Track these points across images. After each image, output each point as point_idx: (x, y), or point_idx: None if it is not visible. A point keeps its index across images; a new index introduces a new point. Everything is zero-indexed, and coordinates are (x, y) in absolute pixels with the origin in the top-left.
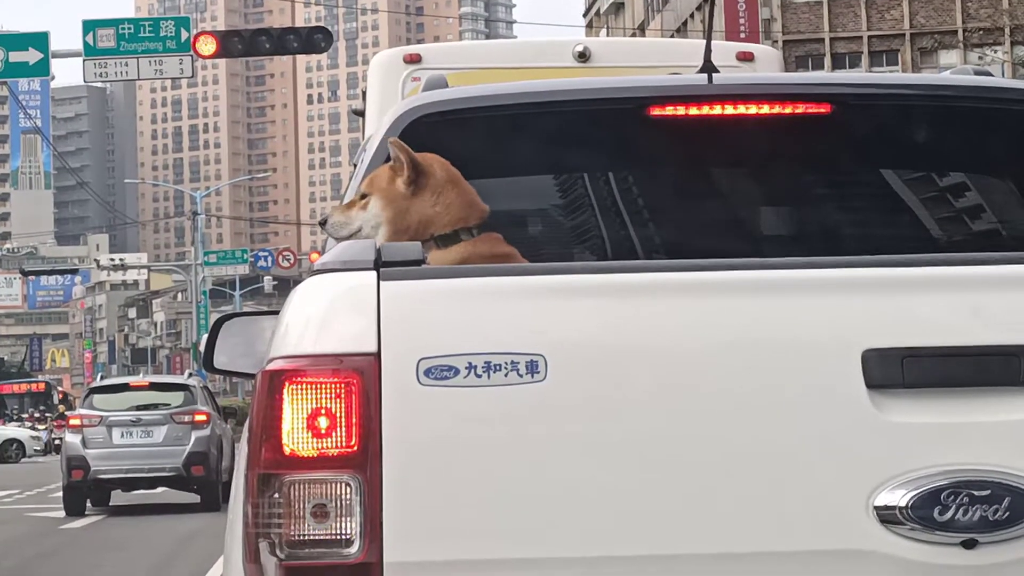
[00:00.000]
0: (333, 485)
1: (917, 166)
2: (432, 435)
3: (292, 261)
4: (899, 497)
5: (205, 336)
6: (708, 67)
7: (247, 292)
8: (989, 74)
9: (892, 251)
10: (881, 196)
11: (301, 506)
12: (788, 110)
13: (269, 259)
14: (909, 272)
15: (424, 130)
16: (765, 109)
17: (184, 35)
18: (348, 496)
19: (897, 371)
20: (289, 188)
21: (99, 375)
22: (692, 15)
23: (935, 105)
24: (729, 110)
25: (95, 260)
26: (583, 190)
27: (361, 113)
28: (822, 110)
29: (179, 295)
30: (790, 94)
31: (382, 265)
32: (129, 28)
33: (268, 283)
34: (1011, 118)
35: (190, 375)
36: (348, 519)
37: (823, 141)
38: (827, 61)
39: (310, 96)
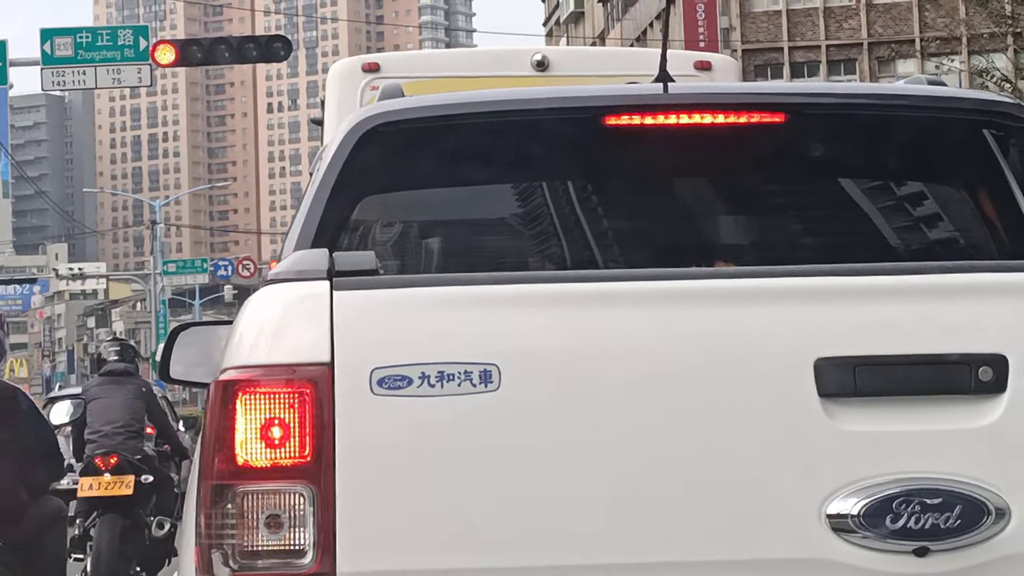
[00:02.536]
0: (286, 495)
1: (871, 175)
2: (386, 445)
3: (252, 270)
4: (851, 505)
5: (162, 345)
6: (663, 76)
7: (207, 301)
8: (943, 84)
9: (846, 260)
10: (835, 205)
11: (254, 516)
12: (743, 119)
13: (229, 268)
14: (861, 281)
15: (379, 140)
16: (720, 118)
17: (143, 44)
18: (301, 506)
19: (849, 380)
20: (249, 197)
21: (58, 385)
22: (652, 24)
23: (889, 114)
24: (684, 119)
25: (54, 269)
26: (539, 199)
27: (320, 122)
28: (776, 119)
29: (138, 304)
30: (744, 103)
31: (336, 275)
32: (87, 37)
33: (228, 292)
34: (964, 127)
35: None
36: (301, 529)
37: (777, 150)
38: (786, 70)
39: (270, 105)
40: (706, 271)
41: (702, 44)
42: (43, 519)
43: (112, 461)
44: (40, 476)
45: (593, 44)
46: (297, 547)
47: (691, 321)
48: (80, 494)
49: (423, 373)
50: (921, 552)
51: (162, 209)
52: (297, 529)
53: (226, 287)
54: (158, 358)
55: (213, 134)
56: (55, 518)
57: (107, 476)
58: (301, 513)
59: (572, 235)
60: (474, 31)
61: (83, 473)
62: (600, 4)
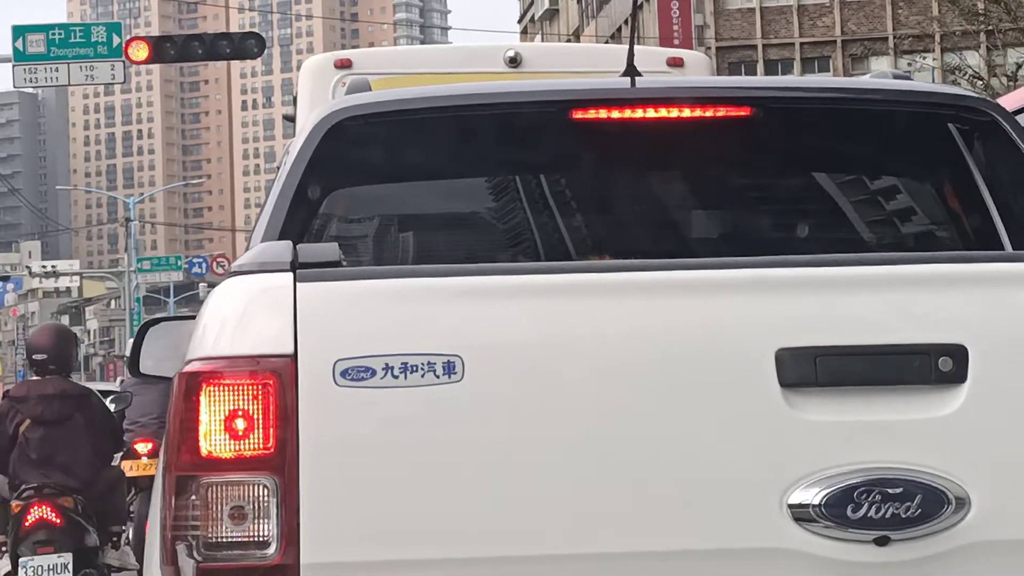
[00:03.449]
0: (250, 487)
1: (837, 168)
2: (349, 436)
3: (227, 267)
4: (813, 495)
5: (131, 341)
6: (631, 71)
7: (181, 299)
8: (908, 78)
9: (813, 252)
10: (801, 198)
11: (218, 508)
12: (709, 113)
13: (203, 266)
14: (823, 272)
15: (347, 133)
16: (687, 112)
17: (116, 40)
18: (265, 498)
19: (810, 370)
20: (224, 194)
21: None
22: (626, 21)
23: (855, 108)
24: (651, 113)
25: (27, 267)
26: (506, 193)
27: (292, 118)
28: (743, 113)
29: (112, 302)
30: (710, 97)
31: (299, 267)
32: (60, 33)
33: (203, 290)
34: (930, 121)
35: (122, 382)
36: (265, 521)
37: (744, 144)
38: (760, 67)
39: (244, 102)
40: (668, 263)
41: (676, 41)
42: (111, 481)
43: (149, 447)
44: (108, 451)
45: (568, 41)
46: (261, 538)
47: (653, 313)
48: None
49: (387, 364)
50: (882, 541)
51: (136, 206)
52: (261, 520)
53: (200, 284)
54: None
55: (187, 131)
56: (118, 480)
57: (144, 460)
58: (265, 504)
59: (539, 228)
60: (449, 28)
61: (124, 457)
62: (575, 1)
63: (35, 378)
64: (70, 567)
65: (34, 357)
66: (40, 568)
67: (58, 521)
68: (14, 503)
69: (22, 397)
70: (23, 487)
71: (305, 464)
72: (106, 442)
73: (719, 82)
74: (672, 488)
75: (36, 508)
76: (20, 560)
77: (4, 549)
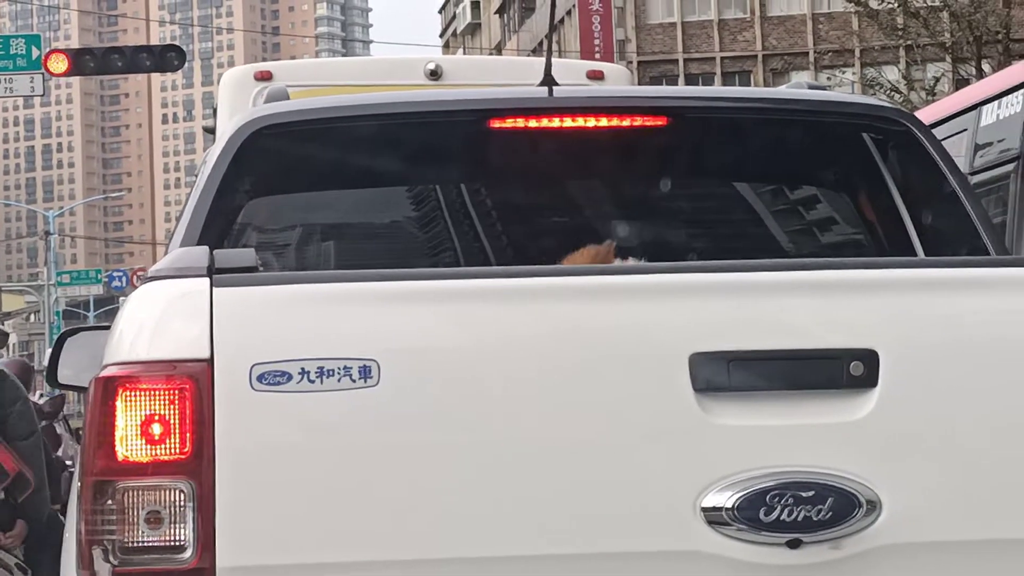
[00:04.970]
0: (166, 491)
1: (753, 177)
2: (265, 440)
3: None
4: (726, 498)
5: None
6: (548, 80)
7: (101, 312)
8: (824, 88)
9: (727, 258)
10: (717, 206)
11: (134, 512)
12: (626, 123)
13: (124, 279)
14: (735, 277)
15: (264, 142)
16: (603, 121)
17: (35, 53)
18: (181, 502)
19: (723, 374)
20: (144, 208)
21: None
22: (553, 32)
23: (770, 118)
24: (568, 122)
25: None
26: (424, 201)
27: (212, 130)
28: (659, 122)
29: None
30: (626, 107)
31: (215, 272)
32: None
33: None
34: (844, 130)
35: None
36: (181, 525)
37: (661, 153)
38: (681, 81)
39: (165, 116)
40: (582, 268)
41: (598, 55)
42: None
43: None
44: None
45: (490, 55)
46: (177, 543)
47: (568, 318)
48: None
49: (303, 369)
50: (794, 544)
51: (56, 220)
52: (177, 525)
53: (120, 298)
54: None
55: (108, 145)
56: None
57: None
58: (181, 509)
59: (458, 235)
60: (371, 42)
61: None
62: (497, 16)
63: None
64: None
65: None
66: None
67: None
68: None
69: None
70: None
71: (221, 468)
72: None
73: (635, 92)
74: (587, 491)
75: None
76: None
77: None
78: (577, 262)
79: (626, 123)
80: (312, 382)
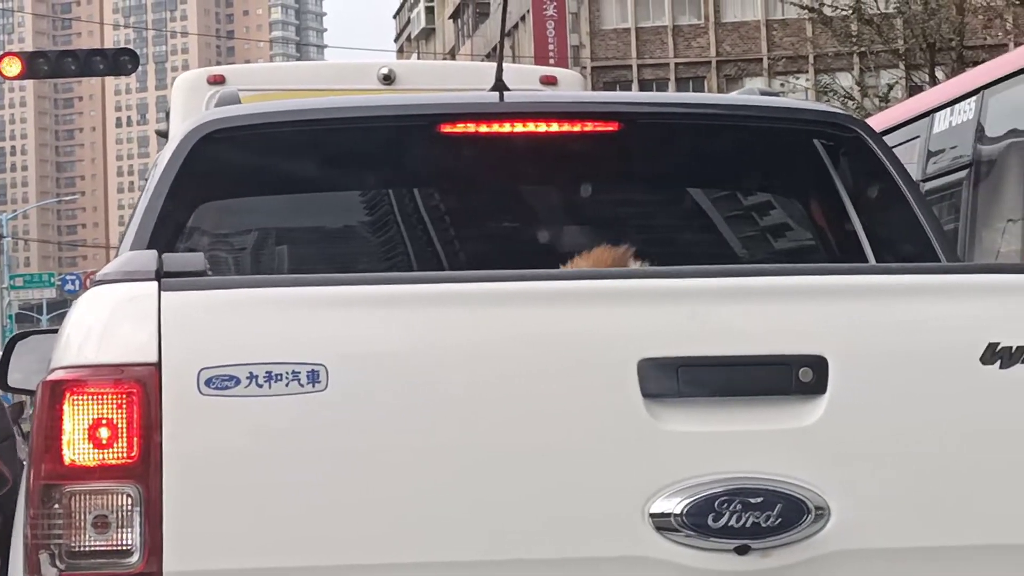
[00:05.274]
0: (114, 496)
1: (704, 183)
2: (213, 445)
3: None
4: (674, 504)
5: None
6: (499, 85)
7: (55, 316)
8: (775, 95)
9: (678, 263)
10: (669, 211)
11: (81, 517)
12: (577, 128)
13: (77, 283)
14: (684, 283)
15: (214, 146)
16: (554, 127)
17: None
18: (128, 506)
19: (672, 380)
20: (98, 212)
21: None
22: (505, 38)
23: (722, 124)
24: (519, 127)
25: None
26: (375, 205)
27: (165, 134)
28: (610, 128)
29: None
30: (577, 112)
31: (164, 276)
32: None
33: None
34: (796, 137)
35: None
36: (128, 529)
37: (613, 158)
38: (635, 87)
39: (119, 119)
40: (533, 273)
41: (552, 61)
42: None
43: None
44: None
45: (444, 60)
46: (124, 547)
47: (517, 323)
48: None
49: (251, 373)
50: (742, 550)
51: (9, 223)
52: (124, 529)
53: (74, 302)
54: None
55: (62, 148)
56: None
57: None
58: (128, 513)
59: (409, 240)
60: (325, 47)
61: None
62: (451, 21)
63: None
64: None
65: None
66: None
67: None
68: None
69: None
70: None
71: (169, 473)
72: None
73: (585, 97)
74: (535, 497)
75: None
76: None
77: None
78: (590, 265)
79: (577, 128)
80: (260, 387)
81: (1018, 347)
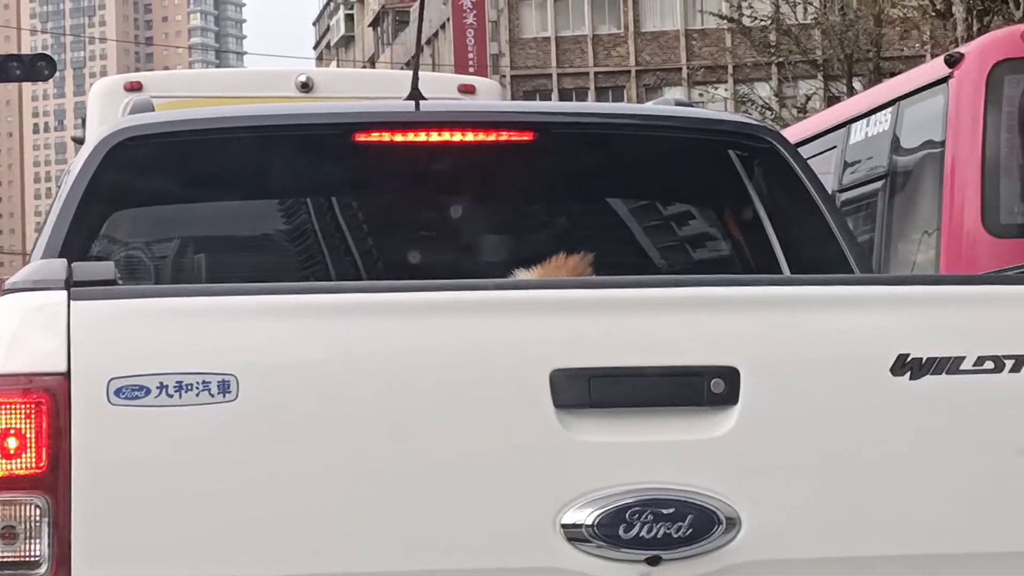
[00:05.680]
0: (21, 506)
1: (619, 193)
2: (123, 455)
3: None
4: (586, 515)
5: None
6: (415, 94)
7: None
8: (690, 105)
9: (593, 273)
10: (583, 222)
11: None
12: (492, 137)
13: None
14: (597, 294)
15: (127, 154)
16: (469, 136)
17: None
18: (36, 517)
19: (584, 391)
20: (15, 218)
21: None
22: (422, 49)
23: (637, 134)
24: (434, 137)
25: None
26: (291, 215)
27: (82, 141)
28: (525, 138)
29: None
30: (492, 121)
31: (73, 285)
32: None
33: None
34: (711, 147)
35: None
36: (36, 540)
37: (528, 168)
38: (555, 96)
39: (36, 125)
40: (446, 283)
41: (471, 69)
42: None
43: None
44: None
45: (363, 68)
46: (32, 558)
47: (430, 332)
48: None
49: (161, 383)
50: (653, 561)
51: None
52: (32, 540)
53: None
54: None
55: None
56: None
57: None
58: (36, 524)
59: (325, 248)
60: (245, 54)
61: None
62: (371, 29)
63: None
64: None
65: None
66: None
67: None
68: None
69: None
70: None
71: (78, 484)
72: None
73: (501, 107)
74: (448, 507)
75: None
76: None
77: None
78: (551, 273)
79: (492, 138)
80: (170, 396)
81: (928, 358)
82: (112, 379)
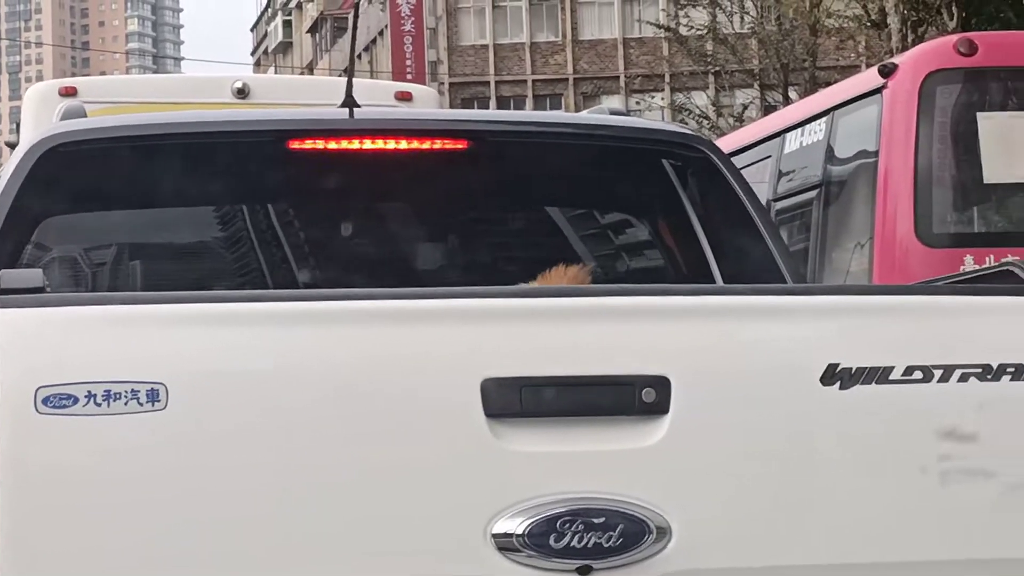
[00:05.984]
0: None
1: (553, 202)
2: (51, 465)
3: None
4: (517, 525)
5: None
6: (350, 101)
7: None
8: (625, 114)
9: (527, 282)
10: (517, 230)
11: None
12: (426, 145)
13: None
14: (528, 303)
15: (58, 160)
16: (403, 144)
17: None
18: None
19: (515, 400)
20: None
21: None
22: (360, 56)
23: (571, 143)
24: (368, 144)
25: None
26: (225, 222)
27: (15, 146)
28: (459, 146)
29: None
30: (427, 129)
31: (0, 292)
32: None
33: None
34: (644, 156)
35: None
36: None
37: (462, 176)
38: (492, 103)
39: None
40: (376, 292)
41: (410, 76)
42: None
43: None
44: None
45: (301, 74)
46: None
47: (361, 340)
48: None
49: (89, 392)
50: (584, 570)
51: None
52: None
53: None
54: None
55: None
56: None
57: None
58: None
59: (261, 256)
60: (182, 59)
61: None
62: (309, 35)
63: None
64: None
65: None
66: None
67: None
68: None
69: None
70: None
71: (5, 493)
72: None
73: (436, 115)
74: (378, 516)
75: None
76: None
77: None
78: (552, 282)
79: (426, 146)
80: (99, 405)
81: (858, 368)
82: (40, 387)
